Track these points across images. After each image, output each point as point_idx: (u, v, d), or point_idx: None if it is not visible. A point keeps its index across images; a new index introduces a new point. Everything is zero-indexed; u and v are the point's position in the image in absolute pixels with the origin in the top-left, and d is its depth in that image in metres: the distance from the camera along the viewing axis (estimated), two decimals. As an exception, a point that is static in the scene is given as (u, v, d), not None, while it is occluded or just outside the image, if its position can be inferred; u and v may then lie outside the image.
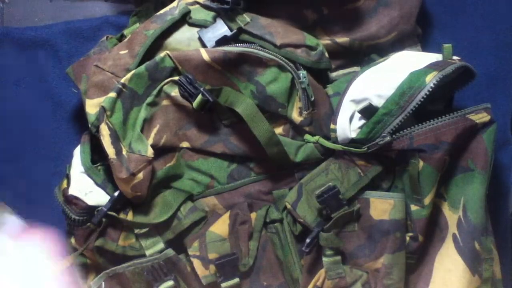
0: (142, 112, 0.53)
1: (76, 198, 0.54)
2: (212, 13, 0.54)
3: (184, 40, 0.54)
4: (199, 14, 0.55)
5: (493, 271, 0.53)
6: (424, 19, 0.61)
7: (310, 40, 0.53)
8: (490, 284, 0.53)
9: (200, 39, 0.54)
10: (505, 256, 0.61)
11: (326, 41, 0.56)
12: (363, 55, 0.58)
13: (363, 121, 0.52)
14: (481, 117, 0.51)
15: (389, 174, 0.56)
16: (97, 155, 0.57)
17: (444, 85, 0.54)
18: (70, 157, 0.57)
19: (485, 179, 0.52)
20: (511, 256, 0.62)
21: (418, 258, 0.56)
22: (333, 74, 0.58)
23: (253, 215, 0.56)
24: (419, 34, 0.60)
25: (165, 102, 0.54)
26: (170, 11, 0.55)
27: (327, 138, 0.56)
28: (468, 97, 0.58)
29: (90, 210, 0.54)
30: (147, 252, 0.55)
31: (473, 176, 0.52)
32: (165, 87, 0.53)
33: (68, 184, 0.55)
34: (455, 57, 0.53)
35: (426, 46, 0.62)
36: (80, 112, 0.63)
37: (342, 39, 0.56)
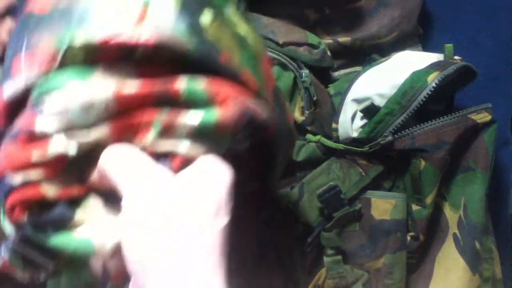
0: None
1: None
2: None
3: None
4: None
5: (494, 271, 0.54)
6: (424, 19, 0.61)
7: (312, 38, 0.53)
8: (490, 283, 0.53)
9: None
10: (506, 257, 0.61)
11: (327, 40, 0.56)
12: (364, 55, 0.58)
13: (365, 121, 0.52)
14: (482, 117, 0.51)
15: (390, 174, 0.56)
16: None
17: (445, 84, 0.54)
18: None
19: (485, 179, 0.52)
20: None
21: (418, 257, 0.56)
22: (335, 74, 0.58)
23: (254, 215, 0.56)
24: (420, 34, 0.60)
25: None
26: None
27: (329, 137, 0.56)
28: (468, 97, 0.58)
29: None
30: None
31: (474, 175, 0.52)
32: None
33: None
34: (456, 57, 0.53)
35: (427, 46, 0.62)
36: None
37: (343, 39, 0.56)
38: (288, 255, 0.58)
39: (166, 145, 0.31)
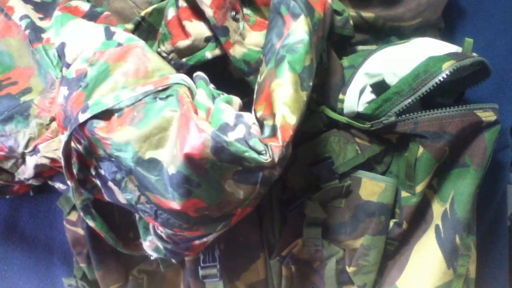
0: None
1: None
2: None
3: None
4: None
5: (468, 269, 0.54)
6: (447, 14, 0.61)
7: (337, 4, 0.53)
8: (462, 280, 0.53)
9: None
10: (503, 259, 0.61)
11: (351, 12, 0.55)
12: (384, 35, 0.57)
13: (372, 97, 0.52)
14: (487, 116, 0.51)
15: (386, 158, 0.56)
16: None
17: (457, 80, 0.54)
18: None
19: (478, 177, 0.52)
20: (509, 259, 0.63)
21: (398, 246, 0.57)
22: (351, 49, 0.58)
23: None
24: (441, 28, 0.60)
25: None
26: None
27: (333, 110, 0.55)
28: (476, 98, 0.58)
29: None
30: None
31: (468, 171, 0.53)
32: None
33: None
34: (474, 54, 0.53)
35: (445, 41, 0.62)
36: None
37: (367, 14, 0.55)
38: (269, 217, 0.58)
39: None
